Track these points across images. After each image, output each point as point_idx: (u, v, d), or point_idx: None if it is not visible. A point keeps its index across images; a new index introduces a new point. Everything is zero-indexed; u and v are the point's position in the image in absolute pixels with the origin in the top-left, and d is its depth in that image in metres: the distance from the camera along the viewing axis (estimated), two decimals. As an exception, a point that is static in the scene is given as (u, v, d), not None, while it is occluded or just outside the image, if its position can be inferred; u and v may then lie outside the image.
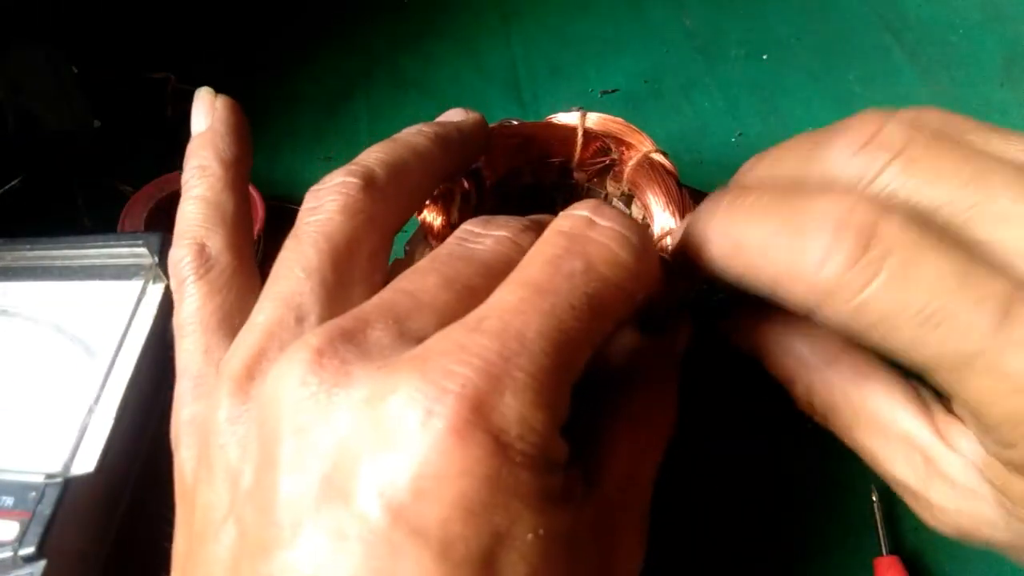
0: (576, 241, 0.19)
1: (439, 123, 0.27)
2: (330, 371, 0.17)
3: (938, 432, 0.22)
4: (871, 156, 0.20)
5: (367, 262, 0.22)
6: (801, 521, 0.35)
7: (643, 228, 0.21)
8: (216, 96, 0.27)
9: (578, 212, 0.20)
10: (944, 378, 0.19)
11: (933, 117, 0.21)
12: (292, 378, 0.17)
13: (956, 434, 0.21)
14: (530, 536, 0.16)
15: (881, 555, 0.33)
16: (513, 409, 0.16)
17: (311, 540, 0.16)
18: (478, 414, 0.16)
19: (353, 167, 0.23)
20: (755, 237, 0.20)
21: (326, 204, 0.22)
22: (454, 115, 0.29)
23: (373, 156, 0.23)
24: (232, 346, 0.21)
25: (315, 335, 0.18)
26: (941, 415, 0.22)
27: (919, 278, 0.18)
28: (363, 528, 0.15)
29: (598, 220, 0.20)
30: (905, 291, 0.18)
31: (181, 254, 0.23)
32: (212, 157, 0.25)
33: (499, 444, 0.16)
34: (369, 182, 0.22)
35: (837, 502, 0.35)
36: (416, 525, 0.15)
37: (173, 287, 0.23)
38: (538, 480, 0.17)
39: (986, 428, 0.19)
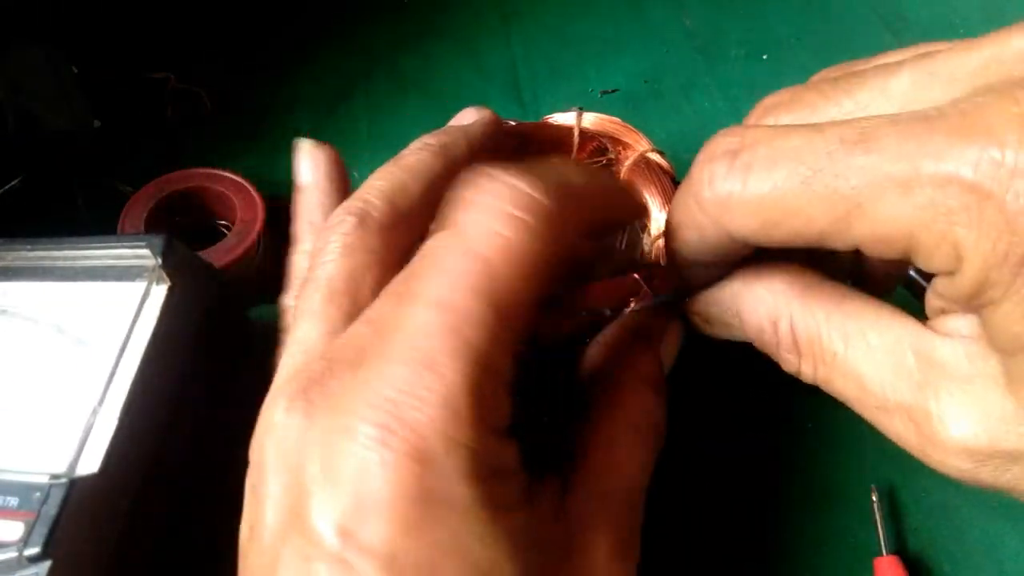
0: (468, 240, 0.19)
1: (446, 130, 0.28)
2: (299, 414, 0.19)
3: (928, 326, 0.21)
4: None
5: (370, 294, 0.23)
6: (800, 521, 0.35)
7: (554, 170, 0.20)
8: (318, 147, 0.29)
9: (471, 195, 0.20)
10: (866, 246, 0.19)
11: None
12: (271, 423, 0.20)
13: (945, 321, 0.20)
14: (476, 545, 0.18)
15: (881, 555, 0.33)
16: (437, 431, 0.18)
17: (288, 566, 0.18)
18: (404, 442, 0.17)
19: (351, 203, 0.24)
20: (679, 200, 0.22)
21: (329, 246, 0.23)
22: (466, 116, 0.30)
23: (372, 187, 0.24)
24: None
25: (291, 383, 0.20)
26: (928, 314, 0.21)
27: (788, 155, 0.18)
28: (321, 551, 0.18)
29: (492, 200, 0.19)
30: (780, 171, 0.19)
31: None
32: (321, 216, 0.27)
33: (427, 464, 0.17)
34: (364, 218, 0.23)
35: (837, 502, 0.35)
36: (364, 545, 0.17)
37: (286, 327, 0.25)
38: (478, 490, 0.18)
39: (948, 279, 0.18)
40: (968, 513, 0.35)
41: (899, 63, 0.21)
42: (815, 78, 0.25)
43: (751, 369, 0.39)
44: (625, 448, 0.23)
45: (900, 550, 0.34)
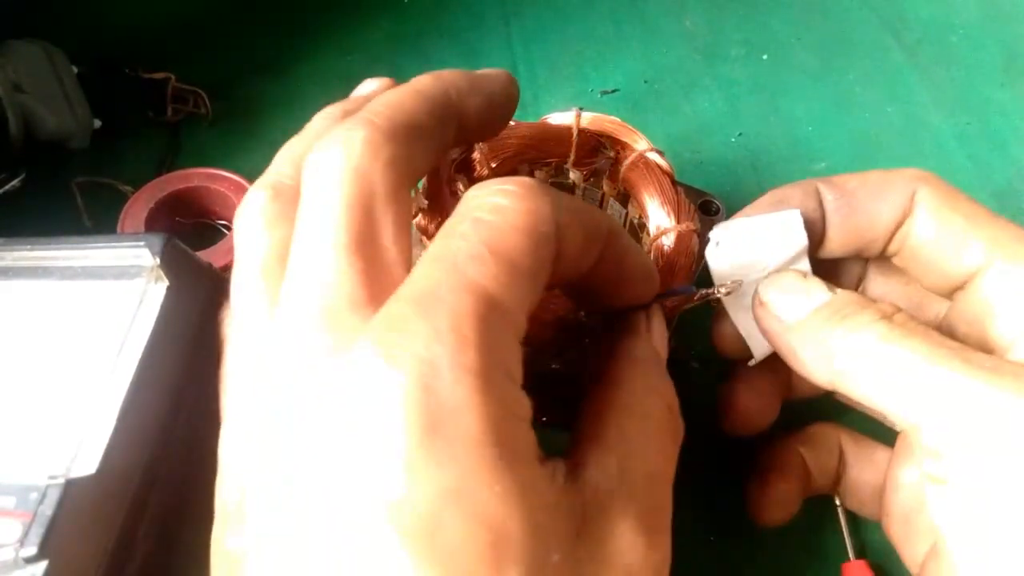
0: (458, 213, 0.20)
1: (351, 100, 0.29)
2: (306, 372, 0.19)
3: None
4: None
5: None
6: (769, 528, 0.34)
7: (526, 183, 0.20)
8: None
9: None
10: None
11: None
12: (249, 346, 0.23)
13: None
14: (484, 494, 0.16)
15: (848, 560, 0.33)
16: (441, 354, 0.16)
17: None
18: (406, 363, 0.16)
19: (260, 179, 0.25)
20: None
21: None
22: (365, 87, 0.30)
23: (276, 165, 0.26)
24: None
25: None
26: None
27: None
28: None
29: (475, 192, 0.20)
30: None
31: None
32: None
33: (431, 390, 0.16)
34: (278, 191, 0.24)
35: (805, 508, 0.34)
36: (359, 489, 0.16)
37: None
38: (488, 426, 0.16)
39: None
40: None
41: None
42: None
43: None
44: (636, 423, 0.21)
45: (867, 554, 0.33)
